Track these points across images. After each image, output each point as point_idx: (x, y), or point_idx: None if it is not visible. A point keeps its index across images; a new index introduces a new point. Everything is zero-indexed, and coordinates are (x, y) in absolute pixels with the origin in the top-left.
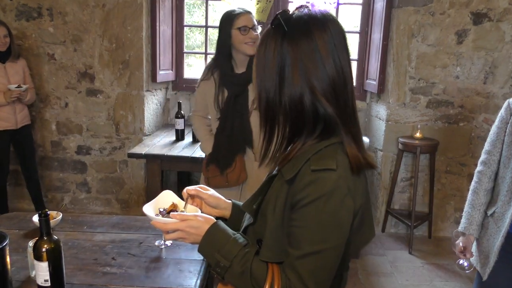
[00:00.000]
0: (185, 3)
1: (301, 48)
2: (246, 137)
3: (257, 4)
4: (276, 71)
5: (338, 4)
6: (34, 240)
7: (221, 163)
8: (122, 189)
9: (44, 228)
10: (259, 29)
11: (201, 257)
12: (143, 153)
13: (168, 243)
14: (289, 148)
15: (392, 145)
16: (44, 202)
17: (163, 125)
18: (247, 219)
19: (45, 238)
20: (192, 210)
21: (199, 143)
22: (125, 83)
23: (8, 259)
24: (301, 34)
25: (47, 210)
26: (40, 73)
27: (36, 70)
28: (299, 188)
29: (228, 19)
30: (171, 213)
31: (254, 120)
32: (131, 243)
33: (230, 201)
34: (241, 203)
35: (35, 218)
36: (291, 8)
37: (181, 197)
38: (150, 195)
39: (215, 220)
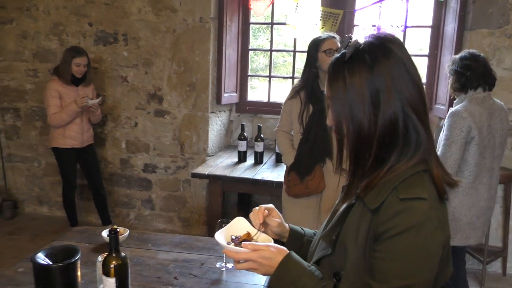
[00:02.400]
0: (250, 28)
1: (392, 71)
2: (327, 148)
3: (322, 28)
4: (368, 100)
5: (406, 27)
6: (103, 255)
7: (302, 170)
8: (184, 208)
9: (113, 245)
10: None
11: (262, 282)
12: (206, 173)
13: (230, 265)
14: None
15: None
16: (111, 216)
17: (226, 146)
18: (321, 249)
19: (114, 254)
20: (264, 239)
21: (262, 165)
22: (191, 105)
23: (79, 273)
24: (385, 57)
25: (116, 227)
26: (113, 95)
27: (109, 91)
28: (385, 218)
29: (315, 44)
30: (243, 242)
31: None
32: (193, 264)
33: (288, 226)
34: (298, 228)
35: (104, 233)
36: (357, 31)
37: (244, 214)
38: (211, 215)
39: (288, 251)
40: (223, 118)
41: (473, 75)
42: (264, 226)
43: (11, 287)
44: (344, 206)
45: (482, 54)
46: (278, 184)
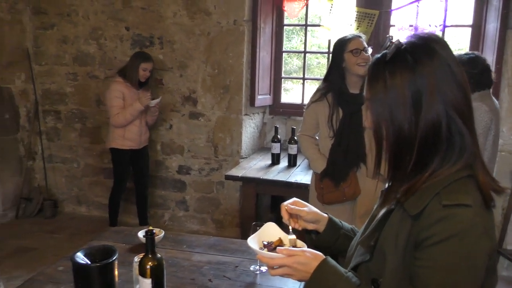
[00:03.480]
0: (284, 30)
1: (436, 72)
2: (360, 153)
3: (357, 29)
4: (409, 102)
5: (445, 26)
6: (139, 256)
7: (337, 177)
8: (218, 210)
9: (150, 246)
10: (370, 51)
11: (297, 287)
12: (239, 175)
13: (264, 269)
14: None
15: (505, 178)
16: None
17: (259, 148)
18: (359, 255)
19: (150, 255)
20: (298, 245)
21: (296, 167)
22: (225, 107)
23: (116, 272)
24: (429, 57)
25: (152, 228)
26: None
27: None
28: (426, 225)
29: (341, 43)
30: (277, 248)
31: (368, 136)
32: (227, 266)
33: (326, 215)
34: (337, 220)
35: (140, 234)
36: (393, 31)
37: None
38: (244, 217)
39: (324, 257)
40: (257, 121)
41: (480, 78)
42: (296, 220)
43: (52, 285)
44: (383, 211)
45: (476, 53)
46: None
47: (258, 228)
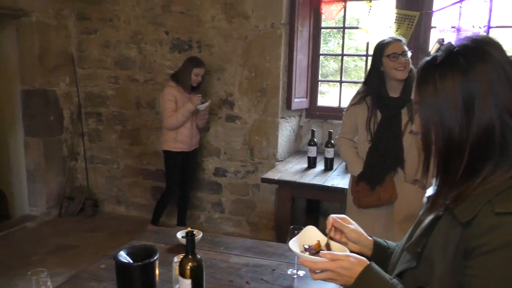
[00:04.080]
0: (321, 32)
1: (489, 75)
2: (398, 157)
3: (396, 31)
4: (460, 106)
5: (489, 27)
6: (179, 256)
7: (373, 180)
8: (253, 212)
9: (190, 247)
10: (409, 54)
11: None
12: (275, 178)
13: (301, 273)
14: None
15: None
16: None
17: (295, 151)
18: (404, 262)
19: (190, 256)
20: (339, 249)
21: (332, 171)
22: (262, 110)
23: (157, 272)
24: (482, 61)
25: (193, 230)
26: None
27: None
28: (477, 233)
29: (379, 47)
30: (320, 251)
31: (406, 141)
32: (264, 269)
33: (371, 238)
34: (382, 241)
35: (179, 235)
36: (434, 33)
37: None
38: (280, 220)
39: (368, 262)
40: (293, 124)
41: None
42: (338, 234)
43: (94, 282)
44: (430, 217)
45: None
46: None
47: (296, 231)
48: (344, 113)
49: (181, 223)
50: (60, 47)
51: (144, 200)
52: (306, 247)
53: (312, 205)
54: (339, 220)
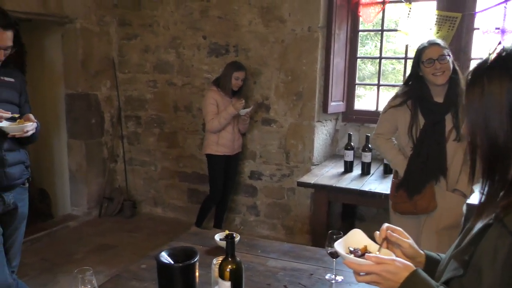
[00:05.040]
0: (359, 35)
1: None
2: (441, 165)
3: (437, 33)
4: (506, 112)
5: None
6: (218, 258)
7: (411, 188)
8: (288, 216)
9: (230, 250)
10: (449, 58)
11: None
12: (312, 182)
13: (339, 278)
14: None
15: None
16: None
17: (331, 155)
18: (451, 269)
19: (230, 259)
20: (385, 254)
21: (369, 176)
22: (298, 114)
23: (197, 273)
24: None
25: (232, 233)
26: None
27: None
28: None
29: (417, 53)
30: (366, 254)
31: (450, 148)
32: (301, 273)
33: (423, 252)
34: (434, 254)
35: (217, 237)
36: (477, 35)
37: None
38: (315, 225)
39: (415, 268)
40: (329, 127)
41: None
42: (389, 245)
43: (136, 281)
44: (479, 225)
45: None
46: (387, 196)
47: (334, 236)
48: (381, 113)
49: (218, 226)
50: (102, 53)
51: (180, 202)
52: (352, 249)
53: (347, 210)
54: (395, 234)
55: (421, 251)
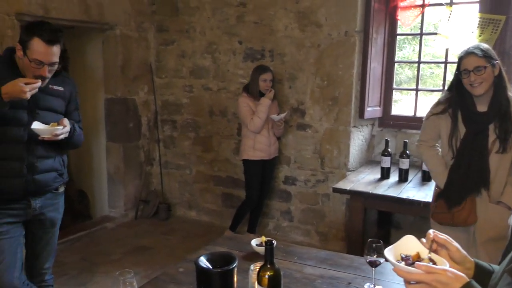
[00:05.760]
0: (396, 39)
1: None
2: (484, 178)
3: (479, 36)
4: None
5: None
6: (256, 265)
7: (451, 200)
8: (322, 222)
9: (269, 257)
10: (487, 68)
11: None
12: (347, 188)
13: None
14: None
15: None
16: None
17: (367, 161)
18: (504, 284)
19: (269, 265)
20: (439, 262)
21: (407, 183)
22: (333, 119)
23: (235, 279)
24: None
25: (271, 239)
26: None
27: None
28: None
29: (458, 60)
30: (416, 262)
31: (493, 160)
32: (339, 281)
33: (473, 260)
34: (485, 264)
35: (254, 243)
36: None
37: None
38: (350, 231)
39: (468, 279)
40: (365, 133)
41: None
42: (441, 252)
43: (173, 285)
44: None
45: None
46: (426, 204)
47: (374, 245)
48: (424, 120)
49: (252, 230)
50: (140, 58)
51: (214, 206)
52: (404, 256)
53: (383, 217)
54: (443, 235)
55: (471, 259)
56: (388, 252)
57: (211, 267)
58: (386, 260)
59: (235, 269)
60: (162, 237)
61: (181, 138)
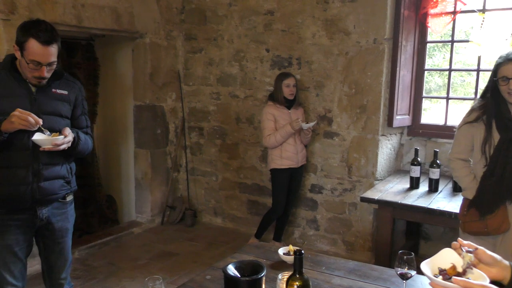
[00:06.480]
0: (427, 47)
1: None
2: None
3: None
4: None
5: None
6: (284, 274)
7: (483, 207)
8: (349, 231)
9: (298, 267)
10: None
11: None
12: (376, 198)
13: None
14: None
15: None
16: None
17: (395, 171)
18: None
19: (297, 275)
20: (478, 277)
21: (437, 193)
22: (361, 127)
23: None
24: None
25: (301, 249)
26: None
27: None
28: None
29: (495, 67)
30: (453, 277)
31: None
32: None
33: (508, 263)
34: None
35: (281, 251)
36: None
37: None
38: (378, 242)
39: None
40: (394, 142)
41: None
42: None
43: None
44: None
45: None
46: (457, 215)
47: (405, 257)
48: (456, 130)
49: (277, 238)
50: (168, 66)
51: (240, 213)
52: (441, 269)
53: (411, 228)
54: (466, 242)
55: (506, 263)
56: (425, 265)
57: (239, 275)
58: (421, 273)
59: (264, 278)
60: (187, 243)
61: (207, 145)
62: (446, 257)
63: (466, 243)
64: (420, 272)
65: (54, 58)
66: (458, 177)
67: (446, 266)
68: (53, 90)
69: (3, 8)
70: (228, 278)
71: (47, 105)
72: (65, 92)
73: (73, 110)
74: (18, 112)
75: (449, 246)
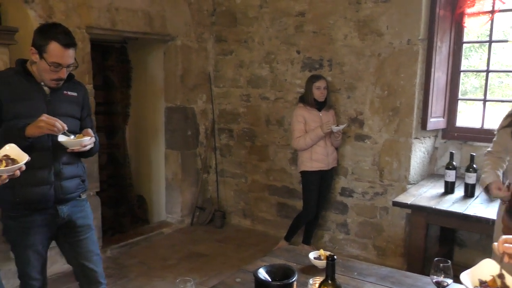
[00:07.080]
0: (463, 47)
1: None
2: None
3: None
4: None
5: None
6: (315, 279)
7: None
8: (380, 236)
9: (330, 272)
10: None
11: None
12: (408, 203)
13: None
14: None
15: None
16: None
17: (429, 175)
18: None
19: (330, 281)
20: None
21: (474, 198)
22: (393, 130)
23: None
24: None
25: (333, 254)
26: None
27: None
28: None
29: None
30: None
31: None
32: None
33: None
34: None
35: (311, 256)
36: None
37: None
38: (411, 248)
39: None
40: (427, 145)
41: None
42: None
43: None
44: None
45: None
46: (495, 222)
47: (441, 265)
48: (496, 132)
49: (307, 242)
50: (199, 68)
51: (269, 215)
52: (482, 281)
53: (446, 234)
54: (508, 245)
55: None
56: (464, 276)
57: (270, 279)
58: (457, 281)
59: (295, 283)
60: (217, 244)
61: (237, 146)
62: (487, 269)
63: (509, 245)
64: (456, 280)
65: (72, 60)
66: (484, 165)
67: (487, 278)
68: (64, 92)
69: (41, 13)
70: (259, 282)
71: (61, 107)
72: (75, 94)
73: (81, 111)
74: (45, 117)
75: (485, 254)
